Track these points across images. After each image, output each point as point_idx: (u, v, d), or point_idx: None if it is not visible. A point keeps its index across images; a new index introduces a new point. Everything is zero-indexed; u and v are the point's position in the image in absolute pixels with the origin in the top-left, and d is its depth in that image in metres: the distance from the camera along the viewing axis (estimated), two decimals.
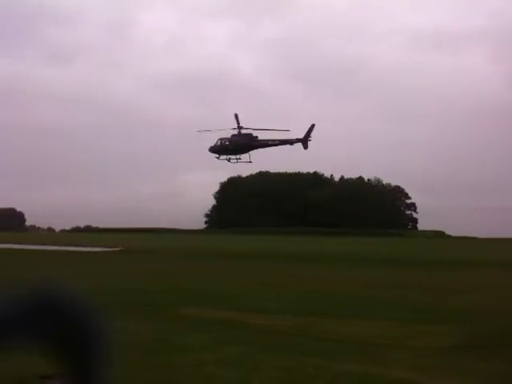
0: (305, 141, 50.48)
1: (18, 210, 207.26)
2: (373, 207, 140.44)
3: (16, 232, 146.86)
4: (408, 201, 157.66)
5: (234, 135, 51.57)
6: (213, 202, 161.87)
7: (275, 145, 51.40)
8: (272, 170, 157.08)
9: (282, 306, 17.15)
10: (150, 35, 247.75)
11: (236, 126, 50.93)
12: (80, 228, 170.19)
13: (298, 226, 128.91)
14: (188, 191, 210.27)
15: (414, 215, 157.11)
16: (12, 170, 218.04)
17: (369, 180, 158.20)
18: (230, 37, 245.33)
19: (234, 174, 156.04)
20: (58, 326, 1.32)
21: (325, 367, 8.54)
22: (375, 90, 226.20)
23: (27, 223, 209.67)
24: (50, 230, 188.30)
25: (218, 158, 52.26)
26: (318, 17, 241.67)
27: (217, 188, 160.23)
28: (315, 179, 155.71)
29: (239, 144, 51.07)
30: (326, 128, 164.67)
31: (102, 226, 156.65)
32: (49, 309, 1.32)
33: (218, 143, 52.18)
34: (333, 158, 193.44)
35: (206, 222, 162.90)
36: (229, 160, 52.42)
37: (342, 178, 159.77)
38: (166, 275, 29.28)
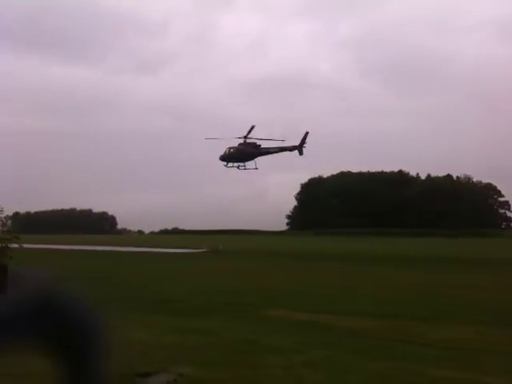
0: (300, 147, 53.64)
1: (109, 213, 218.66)
2: (464, 206, 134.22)
3: (109, 235, 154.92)
4: (501, 199, 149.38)
5: (240, 144, 54.93)
6: (295, 203, 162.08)
7: (275, 152, 54.94)
8: (353, 170, 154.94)
9: (365, 307, 16.88)
10: (232, 39, 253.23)
11: (243, 135, 54.49)
12: (168, 230, 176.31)
13: (383, 226, 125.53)
14: (270, 193, 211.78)
15: (508, 214, 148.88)
16: (104, 176, 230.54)
17: (458, 178, 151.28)
18: (309, 37, 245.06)
19: (315, 175, 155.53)
20: (57, 326, 1.32)
21: (418, 372, 8.22)
22: (462, 84, 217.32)
23: (118, 226, 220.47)
24: (140, 232, 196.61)
25: (226, 165, 55.20)
26: (402, 10, 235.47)
27: (298, 189, 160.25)
28: (400, 178, 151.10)
29: (244, 152, 54.46)
30: (410, 124, 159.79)
31: (188, 228, 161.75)
32: (48, 309, 1.32)
33: (227, 152, 55.02)
34: (417, 156, 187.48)
35: (287, 224, 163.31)
36: (238, 167, 55.37)
37: (428, 176, 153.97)
38: (248, 275, 29.73)
